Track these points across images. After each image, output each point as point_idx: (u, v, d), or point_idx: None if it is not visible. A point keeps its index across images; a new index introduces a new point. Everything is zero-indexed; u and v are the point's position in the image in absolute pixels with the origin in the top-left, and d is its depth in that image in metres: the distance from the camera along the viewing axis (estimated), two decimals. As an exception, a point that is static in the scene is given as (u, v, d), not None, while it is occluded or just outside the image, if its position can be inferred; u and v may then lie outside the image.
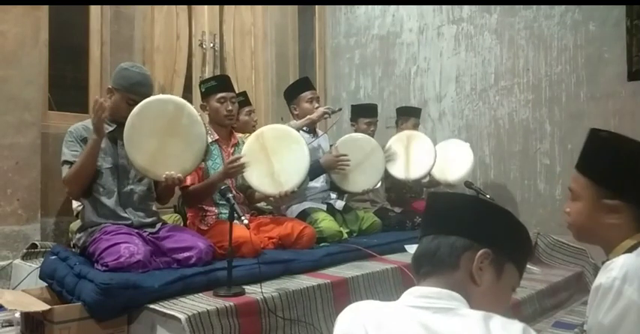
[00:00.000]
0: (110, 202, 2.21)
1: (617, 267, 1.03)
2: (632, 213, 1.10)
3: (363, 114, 3.61)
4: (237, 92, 3.22)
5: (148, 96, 2.22)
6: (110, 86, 2.25)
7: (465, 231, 0.91)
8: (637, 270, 1.01)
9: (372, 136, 3.42)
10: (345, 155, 2.92)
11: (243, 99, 3.41)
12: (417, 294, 0.88)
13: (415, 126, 3.82)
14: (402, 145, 3.47)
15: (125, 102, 2.20)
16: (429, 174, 3.48)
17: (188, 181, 2.49)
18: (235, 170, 2.38)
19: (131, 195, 2.27)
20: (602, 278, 1.04)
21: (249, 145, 2.53)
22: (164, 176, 2.13)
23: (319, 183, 3.12)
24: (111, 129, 2.24)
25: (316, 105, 3.03)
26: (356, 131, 3.59)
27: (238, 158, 2.39)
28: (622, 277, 1.01)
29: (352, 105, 3.82)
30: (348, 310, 0.90)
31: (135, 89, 2.20)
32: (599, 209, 1.12)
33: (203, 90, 2.69)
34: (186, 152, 2.18)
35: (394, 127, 3.94)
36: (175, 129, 2.16)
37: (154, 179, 2.26)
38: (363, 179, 3.06)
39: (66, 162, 2.17)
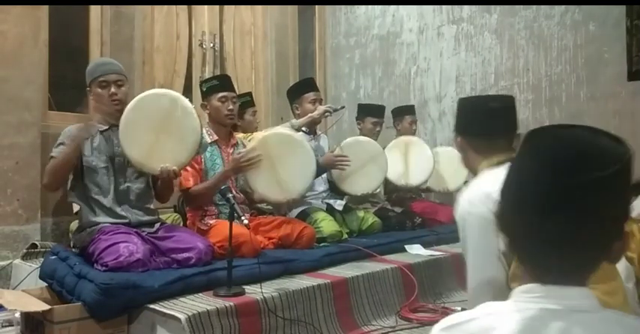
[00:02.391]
0: (107, 201, 2.21)
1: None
2: (472, 144, 1.43)
3: (371, 113, 3.63)
4: (239, 92, 3.22)
5: (117, 72, 2.27)
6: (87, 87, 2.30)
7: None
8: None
9: (377, 137, 3.47)
10: (345, 156, 2.91)
11: (250, 100, 3.41)
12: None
13: (412, 123, 3.84)
14: (399, 152, 3.47)
15: (101, 88, 2.23)
16: (427, 180, 3.52)
17: (191, 182, 2.49)
18: (248, 163, 2.38)
19: (128, 193, 2.27)
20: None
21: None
22: (159, 169, 2.13)
23: (322, 187, 3.12)
24: (104, 128, 2.26)
25: (318, 106, 3.04)
26: (361, 130, 3.63)
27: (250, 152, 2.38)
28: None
29: (359, 104, 3.82)
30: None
31: (99, 69, 2.26)
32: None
33: (204, 89, 2.69)
34: (180, 145, 2.17)
35: (393, 127, 3.93)
36: (170, 122, 2.16)
37: (150, 173, 2.26)
38: (363, 183, 3.07)
39: (52, 157, 2.21)
